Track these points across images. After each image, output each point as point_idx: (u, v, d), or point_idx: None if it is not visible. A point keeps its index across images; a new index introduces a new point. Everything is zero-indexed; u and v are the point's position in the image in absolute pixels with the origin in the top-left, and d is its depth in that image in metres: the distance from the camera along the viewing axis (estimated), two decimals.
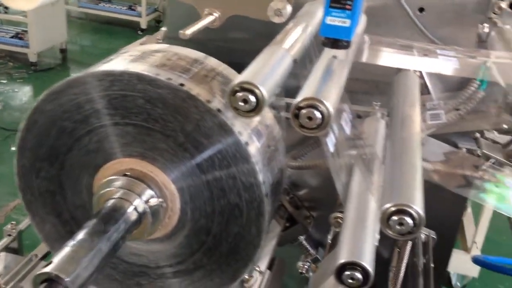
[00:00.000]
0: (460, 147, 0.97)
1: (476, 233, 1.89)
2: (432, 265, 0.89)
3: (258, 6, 0.77)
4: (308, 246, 1.13)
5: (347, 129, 0.70)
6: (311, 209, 1.17)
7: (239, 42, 1.07)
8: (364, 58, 0.76)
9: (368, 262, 0.55)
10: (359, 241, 0.58)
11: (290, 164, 1.02)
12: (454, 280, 1.99)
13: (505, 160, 0.80)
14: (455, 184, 0.80)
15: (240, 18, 0.84)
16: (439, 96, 0.96)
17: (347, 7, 0.57)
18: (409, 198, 0.50)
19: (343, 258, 0.56)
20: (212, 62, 0.80)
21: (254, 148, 0.71)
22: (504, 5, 0.88)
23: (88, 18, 4.73)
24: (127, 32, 4.39)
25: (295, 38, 0.67)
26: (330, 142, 0.70)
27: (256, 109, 0.51)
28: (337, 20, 0.57)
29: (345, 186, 0.69)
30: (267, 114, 0.80)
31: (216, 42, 1.06)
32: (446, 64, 0.73)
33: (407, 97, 0.76)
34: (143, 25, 4.36)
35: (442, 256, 1.12)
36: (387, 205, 0.50)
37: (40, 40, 3.48)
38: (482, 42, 0.84)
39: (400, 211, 0.50)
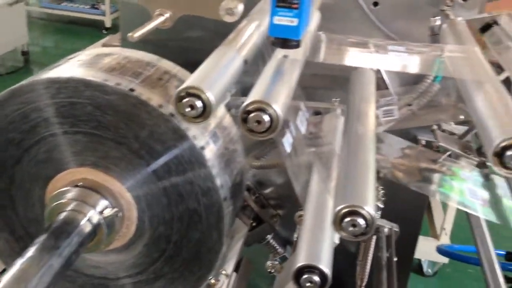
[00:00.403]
0: (420, 139, 0.98)
1: (444, 220, 1.93)
2: (395, 258, 0.90)
3: (210, 5, 0.75)
4: (275, 245, 1.12)
5: (303, 128, 0.69)
6: (278, 207, 1.16)
7: (198, 41, 1.05)
8: (321, 58, 0.75)
9: (325, 264, 0.55)
10: (316, 243, 0.58)
11: (253, 164, 1.01)
12: (425, 267, 2.03)
13: (461, 152, 0.81)
14: (414, 181, 0.81)
15: (198, 17, 0.82)
16: (397, 91, 0.96)
17: (294, 6, 0.55)
18: (361, 199, 0.50)
19: (300, 261, 0.55)
20: (166, 64, 0.78)
21: (210, 151, 0.69)
22: None
23: (50, 18, 4.60)
24: (92, 31, 4.29)
25: (246, 38, 0.65)
26: (287, 142, 0.69)
27: (203, 114, 0.50)
28: (284, 20, 0.56)
29: (304, 186, 0.69)
30: (224, 116, 0.78)
31: (177, 41, 1.04)
32: (401, 60, 0.73)
33: (363, 94, 0.76)
34: (108, 24, 4.27)
35: (407, 247, 1.13)
36: (339, 207, 0.49)
37: (0, 43, 3.37)
38: (435, 35, 0.84)
39: (352, 213, 0.49)
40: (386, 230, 0.97)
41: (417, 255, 1.83)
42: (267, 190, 1.18)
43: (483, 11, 0.91)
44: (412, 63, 0.73)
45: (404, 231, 1.01)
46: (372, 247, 0.96)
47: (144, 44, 0.80)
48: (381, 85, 0.97)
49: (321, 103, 0.90)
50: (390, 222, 0.98)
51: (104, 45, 2.06)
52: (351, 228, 0.49)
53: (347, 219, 0.49)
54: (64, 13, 4.38)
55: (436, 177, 0.75)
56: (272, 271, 1.10)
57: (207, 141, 0.70)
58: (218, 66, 0.56)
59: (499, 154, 0.45)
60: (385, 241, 0.94)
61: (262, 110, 0.48)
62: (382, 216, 0.98)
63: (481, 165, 0.89)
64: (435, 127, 0.93)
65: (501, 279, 0.78)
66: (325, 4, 0.99)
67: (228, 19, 0.74)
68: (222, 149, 0.73)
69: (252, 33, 0.67)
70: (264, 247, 1.13)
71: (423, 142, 0.97)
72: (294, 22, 0.56)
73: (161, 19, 0.79)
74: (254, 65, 0.65)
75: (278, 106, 0.49)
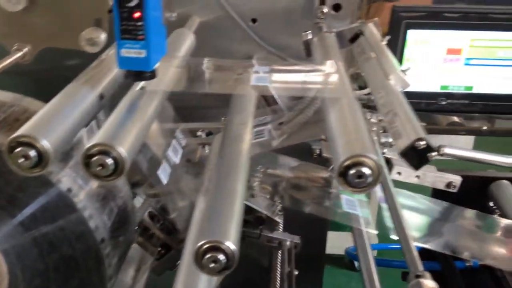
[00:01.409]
0: (314, 149, 1.00)
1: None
2: (296, 272, 0.90)
3: (70, 36, 0.71)
4: None
5: (177, 158, 0.67)
6: (186, 230, 1.13)
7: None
8: (206, 88, 0.72)
9: None
10: (194, 274, 0.56)
11: (148, 193, 0.97)
12: (356, 263, 2.08)
13: None
14: (309, 200, 0.82)
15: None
16: (287, 105, 0.97)
17: (140, 37, 0.53)
18: (222, 234, 0.48)
19: None
20: (27, 102, 0.72)
21: (80, 193, 0.65)
22: (326, 9, 0.91)
23: None
24: None
25: (104, 70, 0.62)
26: (163, 173, 0.66)
27: (40, 164, 0.46)
28: (132, 52, 0.53)
29: (184, 217, 0.67)
30: None
31: (56, 71, 0.98)
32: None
33: (241, 114, 0.75)
34: None
35: (316, 255, 1.15)
36: (199, 243, 0.47)
37: None
38: (309, 49, 0.86)
39: (213, 248, 0.47)
40: (288, 243, 0.98)
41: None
42: (172, 215, 1.14)
43: (354, 21, 0.94)
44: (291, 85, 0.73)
45: (311, 242, 1.02)
46: (279, 262, 0.96)
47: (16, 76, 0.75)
48: (270, 101, 0.98)
49: (212, 123, 0.88)
50: (291, 235, 0.99)
51: None
52: (212, 265, 0.47)
53: (208, 255, 0.47)
54: None
55: (328, 193, 0.76)
56: None
57: (76, 182, 0.65)
58: (63, 106, 0.52)
59: (343, 174, 0.45)
60: (287, 255, 0.94)
61: (106, 153, 0.45)
62: (286, 229, 0.99)
63: None
64: (323, 136, 0.95)
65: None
66: (206, 24, 0.98)
67: (90, 49, 0.70)
68: (96, 187, 0.69)
69: (112, 64, 0.64)
70: None
71: (317, 152, 0.99)
72: (143, 53, 0.54)
73: (19, 54, 0.73)
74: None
75: (124, 148, 0.46)
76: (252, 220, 0.94)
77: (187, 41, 0.81)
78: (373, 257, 0.66)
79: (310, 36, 0.84)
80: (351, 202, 0.70)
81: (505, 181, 0.90)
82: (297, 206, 0.90)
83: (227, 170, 0.60)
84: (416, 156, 0.48)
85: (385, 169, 0.74)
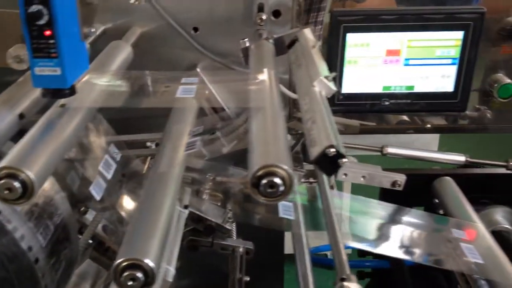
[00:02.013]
0: None
1: None
2: (246, 278, 0.91)
3: None
4: None
5: (109, 173, 0.66)
6: None
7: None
8: (150, 102, 0.71)
9: None
10: None
11: (97, 207, 0.96)
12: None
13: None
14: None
15: None
16: (235, 112, 0.97)
17: (53, 55, 0.52)
18: (142, 251, 0.48)
19: None
20: None
21: (10, 213, 0.64)
22: (264, 16, 0.92)
23: None
24: None
25: (26, 88, 0.61)
26: (97, 188, 0.66)
27: None
28: (46, 70, 0.53)
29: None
30: None
31: None
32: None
33: (178, 125, 0.75)
34: None
35: (274, 259, 1.16)
36: (117, 261, 0.47)
37: None
38: (247, 57, 0.86)
39: (131, 266, 0.47)
40: (241, 250, 0.98)
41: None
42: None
43: (294, 27, 0.95)
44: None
45: (268, 246, 1.03)
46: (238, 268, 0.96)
47: None
48: (218, 109, 0.98)
49: (149, 135, 0.87)
50: (244, 241, 0.99)
51: None
52: (130, 283, 0.47)
53: (126, 273, 0.47)
54: None
55: None
56: None
57: None
58: None
59: (256, 184, 0.46)
60: (239, 261, 0.94)
61: (13, 176, 0.45)
62: (244, 234, 0.99)
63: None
64: None
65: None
66: (148, 34, 0.98)
67: (17, 67, 0.69)
68: (30, 206, 0.68)
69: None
70: None
71: None
72: (57, 71, 0.53)
73: None
74: None
75: (33, 171, 0.45)
76: (203, 229, 0.94)
77: (122, 53, 0.80)
78: (310, 261, 0.66)
79: (247, 44, 0.84)
80: (288, 208, 0.70)
81: (447, 178, 0.92)
82: (247, 216, 0.90)
83: (155, 185, 0.59)
84: (328, 163, 0.48)
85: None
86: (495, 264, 0.68)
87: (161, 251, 0.49)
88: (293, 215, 0.69)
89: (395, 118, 1.14)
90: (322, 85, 0.62)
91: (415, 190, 0.95)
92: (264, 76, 0.68)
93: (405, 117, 1.13)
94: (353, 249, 1.27)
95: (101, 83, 0.66)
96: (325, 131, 0.51)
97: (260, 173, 0.46)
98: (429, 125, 1.04)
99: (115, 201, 0.68)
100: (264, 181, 0.46)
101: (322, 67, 0.68)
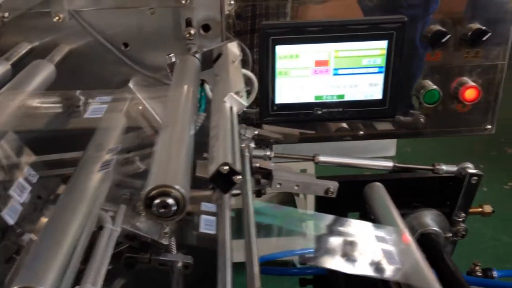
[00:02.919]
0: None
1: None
2: None
3: None
4: None
5: (21, 197, 0.65)
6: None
7: None
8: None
9: None
10: None
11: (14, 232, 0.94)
12: (297, 263, 2.11)
13: None
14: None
15: None
16: None
17: None
18: (37, 278, 0.47)
19: None
20: None
21: None
22: (193, 31, 0.92)
23: None
24: None
25: None
26: (10, 213, 0.65)
27: None
28: None
29: None
30: None
31: None
32: None
33: (101, 140, 0.74)
34: None
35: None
36: None
37: None
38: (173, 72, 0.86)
39: None
40: (179, 264, 0.98)
41: None
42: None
43: (224, 40, 0.96)
44: None
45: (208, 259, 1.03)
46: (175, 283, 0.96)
47: None
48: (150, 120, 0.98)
49: (75, 153, 0.86)
50: (184, 255, 0.99)
51: None
52: None
53: None
54: None
55: None
56: None
57: None
58: None
59: (149, 205, 0.46)
60: (177, 276, 0.94)
61: None
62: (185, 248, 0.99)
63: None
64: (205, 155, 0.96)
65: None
66: (78, 51, 0.97)
67: None
68: None
69: None
70: None
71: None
72: None
73: None
74: None
75: None
76: (138, 246, 0.94)
77: (43, 72, 0.79)
78: (231, 275, 0.66)
79: (173, 59, 0.85)
80: (209, 222, 0.71)
81: (377, 183, 0.95)
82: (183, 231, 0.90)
83: (63, 206, 0.59)
84: (223, 180, 0.49)
85: (249, 184, 0.76)
86: (415, 269, 0.71)
87: (60, 277, 0.49)
88: (214, 229, 0.70)
89: (335, 126, 1.16)
90: (232, 100, 0.63)
91: (350, 196, 0.97)
92: (179, 93, 0.68)
93: (344, 125, 1.15)
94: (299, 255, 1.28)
95: (14, 103, 0.66)
96: (223, 149, 0.52)
97: (153, 193, 0.46)
98: (361, 132, 1.06)
99: (30, 225, 0.67)
100: (156, 201, 0.46)
101: (237, 82, 0.70)
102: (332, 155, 0.97)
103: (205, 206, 0.73)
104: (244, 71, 0.88)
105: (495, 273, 1.12)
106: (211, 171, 0.50)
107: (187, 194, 0.47)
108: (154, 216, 0.46)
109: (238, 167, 0.49)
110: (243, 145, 0.86)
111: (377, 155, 1.44)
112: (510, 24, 0.97)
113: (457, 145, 2.43)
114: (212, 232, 0.70)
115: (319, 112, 1.02)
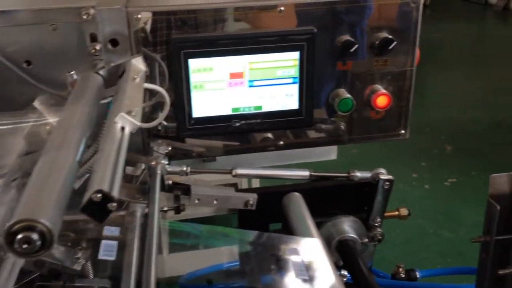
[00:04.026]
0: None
1: None
2: None
3: None
4: None
5: None
6: None
7: None
8: None
9: None
10: None
11: None
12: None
13: (129, 199, 0.81)
14: None
15: None
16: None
17: None
18: None
19: None
20: None
21: None
22: (98, 46, 0.89)
23: None
24: None
25: None
26: None
27: None
28: None
29: None
30: None
31: None
32: None
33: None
34: None
35: None
36: None
37: None
38: None
39: None
40: None
41: None
42: None
43: (133, 54, 0.93)
44: None
45: None
46: None
47: None
48: None
49: None
50: (101, 280, 0.95)
51: None
52: None
53: None
54: None
55: None
56: None
57: None
58: None
59: (11, 242, 0.43)
60: None
61: None
62: None
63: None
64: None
65: None
66: None
67: None
68: None
69: None
70: None
71: None
72: None
73: None
74: None
75: None
76: (47, 273, 0.89)
77: None
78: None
79: (75, 77, 0.81)
80: (110, 247, 0.68)
81: (295, 193, 0.95)
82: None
83: None
84: (97, 208, 0.47)
85: (156, 203, 0.73)
86: (322, 280, 0.71)
87: None
88: (114, 255, 0.67)
89: (259, 136, 1.16)
90: (124, 120, 0.61)
91: (272, 208, 0.97)
92: (71, 113, 0.65)
93: (269, 135, 1.15)
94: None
95: None
96: (101, 174, 0.50)
97: (15, 228, 0.43)
98: (281, 142, 1.07)
99: None
100: (19, 236, 0.43)
101: (134, 100, 0.67)
102: (249, 167, 0.97)
103: (108, 230, 0.70)
104: (153, 86, 0.86)
105: (417, 274, 1.15)
106: (83, 200, 0.47)
107: (56, 227, 0.44)
108: (16, 252, 0.43)
109: (115, 193, 0.47)
110: (153, 162, 0.84)
111: (318, 160, 1.44)
112: (416, 32, 1.00)
113: (401, 145, 2.51)
114: (112, 258, 0.67)
115: (237, 124, 1.01)
